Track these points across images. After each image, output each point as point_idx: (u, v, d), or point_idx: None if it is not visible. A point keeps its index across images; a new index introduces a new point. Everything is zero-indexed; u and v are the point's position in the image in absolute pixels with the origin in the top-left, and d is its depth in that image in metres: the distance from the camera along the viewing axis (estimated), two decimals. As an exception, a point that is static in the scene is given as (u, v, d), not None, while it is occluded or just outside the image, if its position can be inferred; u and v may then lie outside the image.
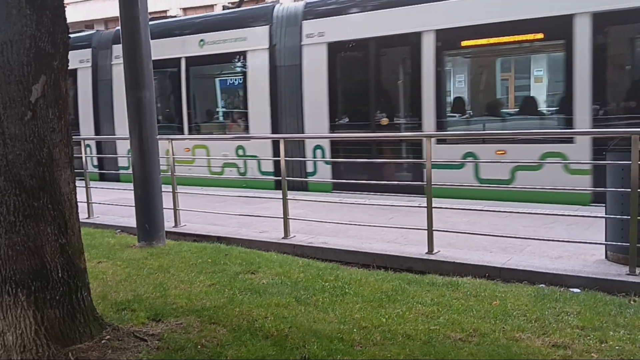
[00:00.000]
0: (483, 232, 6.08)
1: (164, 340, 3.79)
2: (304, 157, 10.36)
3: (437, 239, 5.87)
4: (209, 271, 5.50)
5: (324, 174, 10.19)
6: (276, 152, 10.26)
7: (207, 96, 12.68)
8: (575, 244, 5.55)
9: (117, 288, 5.02)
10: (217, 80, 12.35)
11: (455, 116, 9.49)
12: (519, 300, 4.45)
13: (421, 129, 9.07)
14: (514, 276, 5.19)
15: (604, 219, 5.31)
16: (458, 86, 10.02)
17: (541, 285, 4.93)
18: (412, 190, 8.05)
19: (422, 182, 8.17)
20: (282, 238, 6.80)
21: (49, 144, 3.53)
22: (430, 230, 5.83)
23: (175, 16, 19.67)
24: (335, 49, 10.01)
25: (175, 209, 7.73)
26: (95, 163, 13.53)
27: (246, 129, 11.17)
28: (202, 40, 11.50)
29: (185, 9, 26.77)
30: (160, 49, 11.66)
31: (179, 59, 11.80)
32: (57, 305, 3.55)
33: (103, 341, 3.69)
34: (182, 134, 11.72)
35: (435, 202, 5.92)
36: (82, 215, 3.98)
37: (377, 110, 9.89)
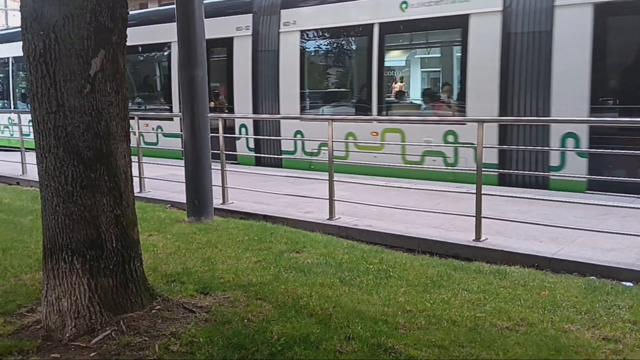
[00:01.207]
0: (533, 221, 5.95)
1: (212, 313, 3.87)
2: (549, 147, 8.29)
3: (485, 227, 5.78)
4: (255, 248, 5.58)
5: (577, 169, 8.00)
6: (503, 139, 8.66)
7: (406, 70, 11.00)
8: (628, 236, 5.37)
9: (167, 260, 5.15)
10: (422, 50, 10.65)
11: None
12: (569, 291, 4.35)
13: None
14: (564, 267, 5.08)
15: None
16: None
17: (592, 277, 4.81)
18: None
19: None
20: (327, 219, 6.82)
21: (106, 117, 3.61)
22: (478, 217, 5.74)
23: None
24: (607, 11, 7.85)
25: (223, 187, 7.84)
26: (252, 145, 11.81)
27: (461, 110, 9.13)
28: (404, 2, 9.52)
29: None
30: (343, 15, 10.27)
31: (369, 25, 9.87)
32: (110, 274, 3.66)
33: (153, 311, 3.80)
34: (370, 114, 9.97)
35: (485, 189, 5.82)
36: (135, 189, 4.07)
37: None
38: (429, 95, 10.47)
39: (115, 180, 3.68)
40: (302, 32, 10.83)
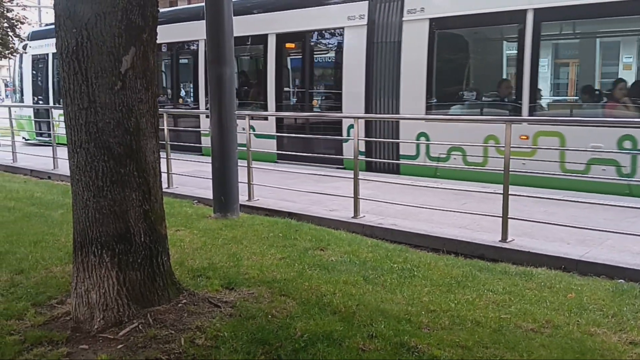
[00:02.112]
0: (561, 223, 5.86)
1: (237, 308, 3.92)
2: None
3: (511, 228, 5.73)
4: (280, 245, 5.62)
5: None
6: None
7: (566, 64, 9.73)
8: (659, 240, 5.28)
9: (194, 255, 5.22)
10: (589, 41, 9.03)
11: None
12: (596, 294, 4.29)
13: None
14: (592, 270, 5.01)
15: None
16: None
17: (620, 280, 4.74)
18: None
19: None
20: (352, 217, 6.83)
21: (136, 114, 3.67)
22: (505, 217, 5.69)
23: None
24: None
25: (249, 183, 7.90)
26: (362, 148, 9.95)
27: None
28: None
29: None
30: (486, 0, 8.88)
31: (522, 12, 8.42)
32: (138, 268, 3.73)
33: (180, 305, 3.85)
34: (519, 114, 8.50)
35: (512, 189, 5.76)
36: (163, 185, 4.13)
37: None
38: (598, 93, 8.91)
39: (144, 175, 3.74)
40: (432, 20, 9.42)
